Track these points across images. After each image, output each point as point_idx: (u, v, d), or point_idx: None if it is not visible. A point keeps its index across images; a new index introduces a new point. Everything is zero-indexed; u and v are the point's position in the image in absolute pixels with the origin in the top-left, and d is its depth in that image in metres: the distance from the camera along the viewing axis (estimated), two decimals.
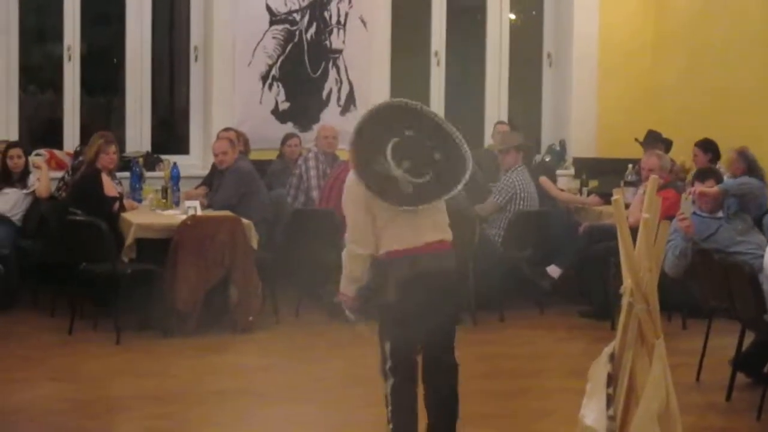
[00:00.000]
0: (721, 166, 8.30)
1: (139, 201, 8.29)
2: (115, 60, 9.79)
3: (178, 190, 8.36)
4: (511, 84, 10.60)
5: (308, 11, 9.64)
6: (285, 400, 5.97)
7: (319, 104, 9.72)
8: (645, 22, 10.51)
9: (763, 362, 6.12)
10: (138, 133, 9.53)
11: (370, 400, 5.07)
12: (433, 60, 10.38)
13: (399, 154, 4.46)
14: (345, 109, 9.77)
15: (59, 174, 8.56)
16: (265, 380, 6.38)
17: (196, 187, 8.71)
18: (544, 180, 9.00)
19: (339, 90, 9.78)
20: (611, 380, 3.80)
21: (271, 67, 9.55)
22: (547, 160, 10.18)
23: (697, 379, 6.35)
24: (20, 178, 8.26)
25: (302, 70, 9.65)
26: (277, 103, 9.59)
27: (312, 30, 9.66)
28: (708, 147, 8.63)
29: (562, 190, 9.36)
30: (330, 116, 9.62)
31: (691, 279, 6.65)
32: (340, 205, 4.74)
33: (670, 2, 10.42)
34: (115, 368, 6.59)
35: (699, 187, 6.83)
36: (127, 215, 7.65)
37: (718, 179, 6.97)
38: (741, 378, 6.11)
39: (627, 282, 3.80)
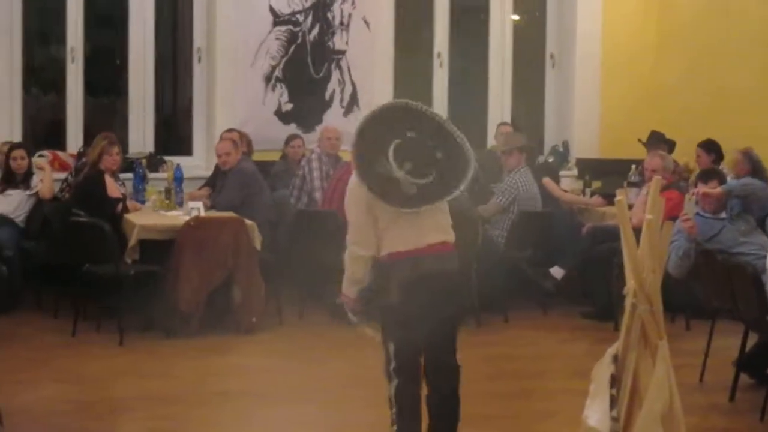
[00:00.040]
0: (724, 166, 8.31)
1: (142, 202, 8.28)
2: (118, 61, 9.79)
3: (182, 191, 8.35)
4: (514, 85, 10.60)
5: (311, 12, 9.64)
6: (287, 401, 5.97)
7: (322, 105, 9.72)
8: (648, 22, 10.50)
9: (766, 363, 6.12)
10: (141, 135, 9.53)
11: (373, 401, 5.07)
12: (436, 61, 10.38)
13: (401, 155, 4.43)
14: (348, 110, 9.76)
15: (62, 175, 8.56)
16: (268, 381, 6.38)
17: (200, 188, 8.69)
18: (547, 181, 8.99)
19: (342, 91, 9.78)
20: (614, 381, 3.79)
21: (274, 68, 9.54)
22: (550, 160, 10.17)
23: (701, 380, 6.34)
24: (23, 180, 8.27)
25: (305, 71, 9.65)
26: (280, 104, 9.59)
27: (315, 31, 9.66)
28: (711, 148, 8.61)
29: (565, 191, 9.35)
30: (333, 117, 9.61)
31: (695, 280, 6.65)
32: (343, 207, 4.73)
33: (673, 3, 10.41)
34: (118, 369, 6.60)
35: (702, 188, 6.84)
36: (130, 216, 7.64)
37: (722, 180, 6.97)
38: (744, 379, 6.11)
39: (630, 283, 3.79)
